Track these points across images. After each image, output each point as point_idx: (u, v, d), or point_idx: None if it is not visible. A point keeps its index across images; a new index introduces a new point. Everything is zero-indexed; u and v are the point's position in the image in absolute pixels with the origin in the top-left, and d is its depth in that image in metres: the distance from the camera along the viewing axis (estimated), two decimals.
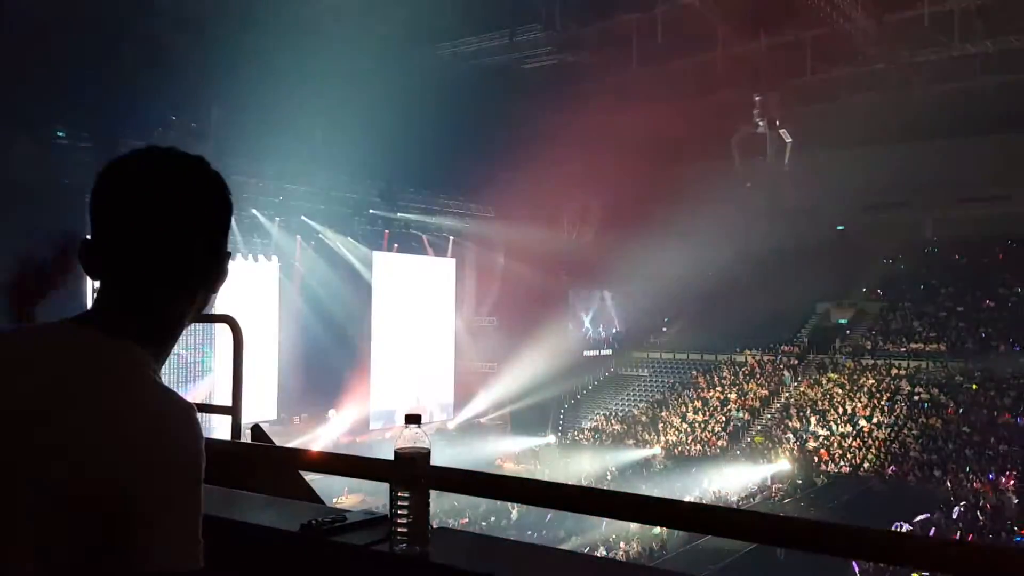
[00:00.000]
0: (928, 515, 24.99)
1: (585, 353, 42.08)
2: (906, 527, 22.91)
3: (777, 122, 31.82)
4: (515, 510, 25.93)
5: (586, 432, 38.89)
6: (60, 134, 21.10)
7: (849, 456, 31.69)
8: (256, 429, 3.05)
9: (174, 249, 1.41)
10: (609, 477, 31.79)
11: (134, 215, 1.38)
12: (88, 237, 1.41)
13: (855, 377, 36.67)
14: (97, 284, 1.44)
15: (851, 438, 32.73)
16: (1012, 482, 27.58)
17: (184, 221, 1.42)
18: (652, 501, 1.97)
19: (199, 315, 1.53)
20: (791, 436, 33.90)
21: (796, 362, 39.21)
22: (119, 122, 20.74)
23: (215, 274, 1.50)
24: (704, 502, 25.72)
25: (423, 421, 1.91)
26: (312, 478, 2.86)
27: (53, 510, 1.23)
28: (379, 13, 24.70)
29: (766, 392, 37.61)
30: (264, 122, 23.92)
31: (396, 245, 35.01)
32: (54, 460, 1.24)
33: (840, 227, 44.45)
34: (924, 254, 43.79)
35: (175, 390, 1.37)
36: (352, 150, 25.88)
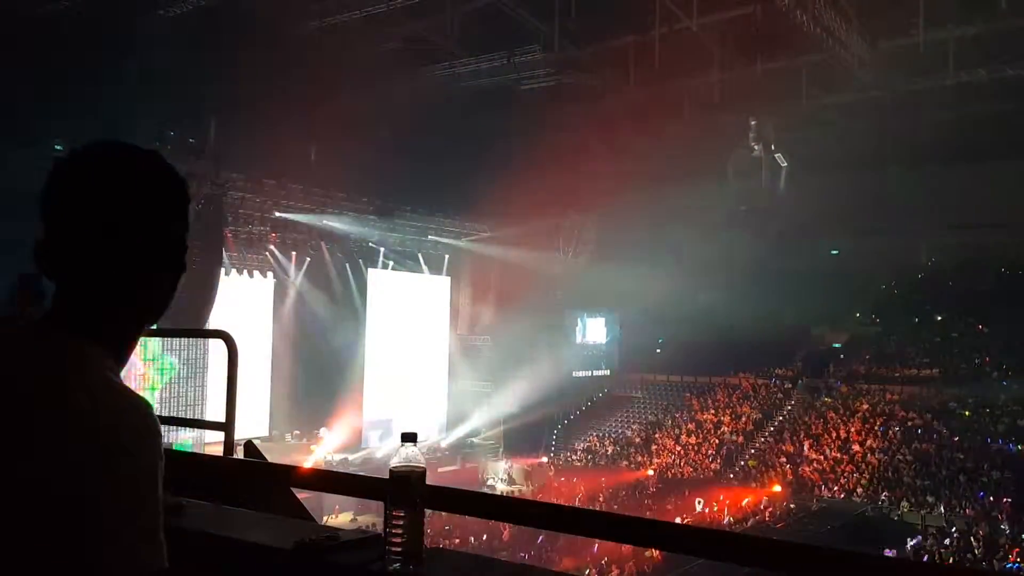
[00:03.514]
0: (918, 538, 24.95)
1: (579, 374, 42.04)
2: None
3: (772, 146, 31.99)
4: (507, 530, 25.80)
5: (579, 453, 38.79)
6: (58, 147, 21.12)
7: (843, 481, 31.62)
8: (249, 445, 3.04)
9: (128, 246, 1.38)
10: (602, 498, 31.66)
11: (85, 213, 1.36)
12: (41, 238, 1.38)
13: (849, 402, 36.68)
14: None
15: (845, 463, 32.68)
16: (1005, 509, 27.52)
17: (137, 217, 1.39)
18: (644, 523, 1.97)
19: (160, 313, 1.49)
20: (784, 460, 33.84)
21: (790, 386, 39.23)
22: (117, 135, 20.72)
23: (173, 269, 1.46)
24: (696, 525, 25.60)
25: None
26: (301, 496, 2.85)
27: (6, 514, 1.21)
28: (377, 32, 24.84)
29: (760, 415, 37.58)
30: (261, 138, 23.96)
31: (391, 263, 35.01)
32: (2, 464, 1.23)
33: (834, 251, 44.60)
34: (918, 280, 43.94)
35: (132, 389, 1.35)
36: (349, 167, 25.92)
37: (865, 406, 35.92)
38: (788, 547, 1.73)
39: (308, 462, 27.11)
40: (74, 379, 1.31)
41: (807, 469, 32.80)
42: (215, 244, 25.58)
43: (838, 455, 33.23)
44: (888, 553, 22.44)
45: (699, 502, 30.62)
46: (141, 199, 1.41)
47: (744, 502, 30.98)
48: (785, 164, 32.73)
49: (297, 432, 31.43)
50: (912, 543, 24.56)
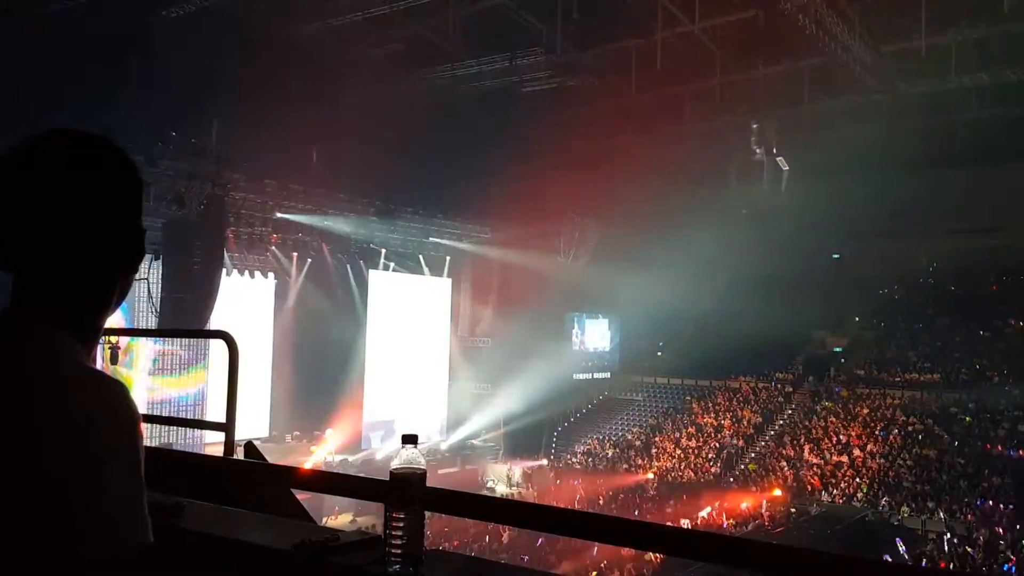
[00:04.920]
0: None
1: (579, 376, 42.02)
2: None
3: (774, 149, 31.97)
4: (506, 533, 25.79)
5: (579, 456, 38.75)
6: None
7: (843, 485, 31.59)
8: (249, 446, 3.04)
9: (85, 232, 1.39)
10: (601, 501, 31.63)
11: (39, 202, 1.37)
12: None
13: (849, 406, 36.64)
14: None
15: (845, 467, 32.65)
16: (1006, 514, 27.48)
17: (92, 203, 1.40)
18: (644, 526, 1.97)
19: (122, 298, 1.51)
20: (785, 464, 33.81)
21: (791, 389, 39.20)
22: (119, 136, 20.72)
23: (131, 254, 1.47)
24: (696, 528, 25.62)
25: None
26: (301, 497, 2.84)
27: None
28: (379, 33, 24.86)
29: (760, 419, 37.54)
30: (264, 140, 23.98)
31: (392, 264, 35.01)
32: None
33: (836, 255, 44.59)
34: (919, 284, 43.91)
35: (103, 370, 1.36)
36: (350, 169, 25.94)
37: (866, 410, 35.89)
38: (788, 551, 1.73)
39: (308, 463, 27.12)
40: (50, 366, 1.32)
41: (807, 473, 32.76)
42: (216, 244, 25.58)
43: (838, 459, 33.20)
44: (887, 558, 22.43)
45: (700, 505, 30.59)
46: (96, 186, 1.42)
47: (744, 506, 30.93)
48: (787, 167, 32.71)
49: (297, 433, 31.44)
50: (902, 548, 24.52)
